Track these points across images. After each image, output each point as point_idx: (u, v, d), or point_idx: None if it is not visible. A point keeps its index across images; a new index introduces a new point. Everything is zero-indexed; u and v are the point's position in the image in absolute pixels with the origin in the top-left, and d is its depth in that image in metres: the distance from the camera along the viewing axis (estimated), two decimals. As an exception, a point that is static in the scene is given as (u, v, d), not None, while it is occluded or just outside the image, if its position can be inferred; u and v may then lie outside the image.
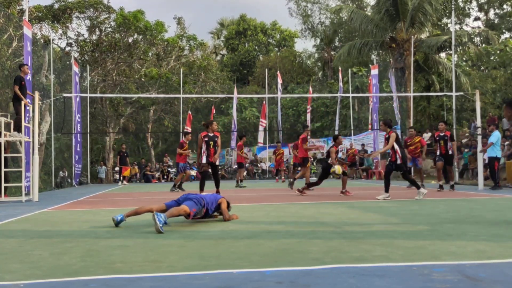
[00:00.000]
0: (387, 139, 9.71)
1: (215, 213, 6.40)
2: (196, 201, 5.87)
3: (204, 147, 10.07)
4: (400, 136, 13.98)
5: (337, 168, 9.57)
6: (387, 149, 9.64)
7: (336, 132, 20.35)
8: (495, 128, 13.78)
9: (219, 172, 21.05)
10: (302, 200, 9.52)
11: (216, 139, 10.17)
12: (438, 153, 12.35)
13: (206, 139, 10.07)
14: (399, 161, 9.43)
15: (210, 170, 10.32)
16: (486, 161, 13.41)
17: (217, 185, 10.48)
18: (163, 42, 28.03)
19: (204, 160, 10.07)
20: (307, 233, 5.09)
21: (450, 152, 12.10)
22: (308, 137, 17.10)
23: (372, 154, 15.78)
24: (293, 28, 50.59)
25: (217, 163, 10.48)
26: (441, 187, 12.10)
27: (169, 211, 5.53)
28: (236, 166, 27.17)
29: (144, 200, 10.52)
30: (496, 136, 12.63)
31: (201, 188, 10.25)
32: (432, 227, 5.41)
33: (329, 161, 11.01)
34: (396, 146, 9.44)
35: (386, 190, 9.62)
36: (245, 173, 23.70)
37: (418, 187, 9.55)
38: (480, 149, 13.06)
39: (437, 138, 12.31)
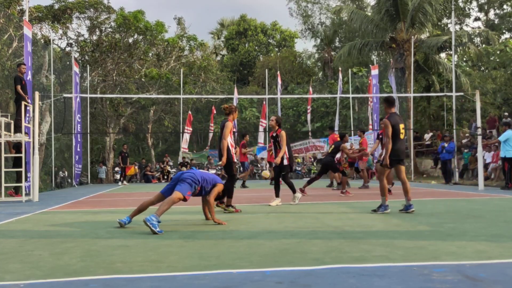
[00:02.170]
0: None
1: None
2: (190, 181, 5.61)
3: (231, 140, 7.67)
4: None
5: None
6: (283, 151, 8.53)
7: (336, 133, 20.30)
8: (508, 127, 13.43)
9: (219, 173, 21.04)
10: (302, 200, 9.50)
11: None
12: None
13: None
14: (285, 162, 8.60)
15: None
16: (487, 161, 13.32)
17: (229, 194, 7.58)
18: (163, 43, 28.04)
19: (235, 159, 7.94)
20: (307, 233, 5.09)
21: None
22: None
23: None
24: (293, 29, 50.63)
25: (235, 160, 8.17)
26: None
27: (160, 209, 5.37)
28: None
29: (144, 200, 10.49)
30: (505, 135, 12.43)
31: (230, 195, 7.53)
32: (432, 227, 5.41)
33: (336, 157, 11.10)
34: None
35: (277, 195, 8.82)
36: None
37: (294, 191, 8.86)
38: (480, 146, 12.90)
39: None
